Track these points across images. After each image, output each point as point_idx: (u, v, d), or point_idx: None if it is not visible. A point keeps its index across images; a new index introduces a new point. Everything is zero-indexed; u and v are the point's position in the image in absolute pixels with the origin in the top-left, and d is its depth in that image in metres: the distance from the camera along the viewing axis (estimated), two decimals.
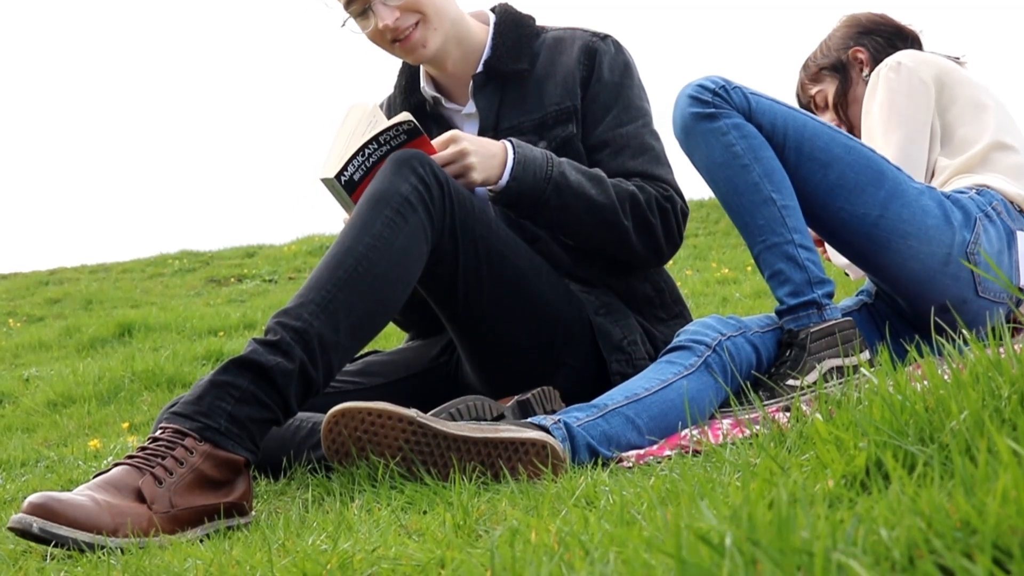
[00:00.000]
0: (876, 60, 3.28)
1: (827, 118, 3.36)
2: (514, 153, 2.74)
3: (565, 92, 2.97)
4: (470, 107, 3.04)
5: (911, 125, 2.98)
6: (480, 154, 2.70)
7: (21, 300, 13.20)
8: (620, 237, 2.86)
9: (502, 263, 2.68)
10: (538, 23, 3.11)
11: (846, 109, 3.34)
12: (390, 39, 2.88)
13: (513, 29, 3.05)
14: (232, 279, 13.59)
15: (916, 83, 2.99)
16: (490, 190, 2.76)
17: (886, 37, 3.32)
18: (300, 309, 2.34)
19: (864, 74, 3.29)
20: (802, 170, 2.66)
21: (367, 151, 2.59)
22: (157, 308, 10.23)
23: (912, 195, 2.68)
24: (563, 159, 2.81)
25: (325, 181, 2.63)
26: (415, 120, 2.58)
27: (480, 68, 3.01)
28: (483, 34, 3.05)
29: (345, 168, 2.58)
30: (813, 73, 3.39)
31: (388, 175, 2.52)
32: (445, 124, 3.07)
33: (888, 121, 2.99)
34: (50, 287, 14.02)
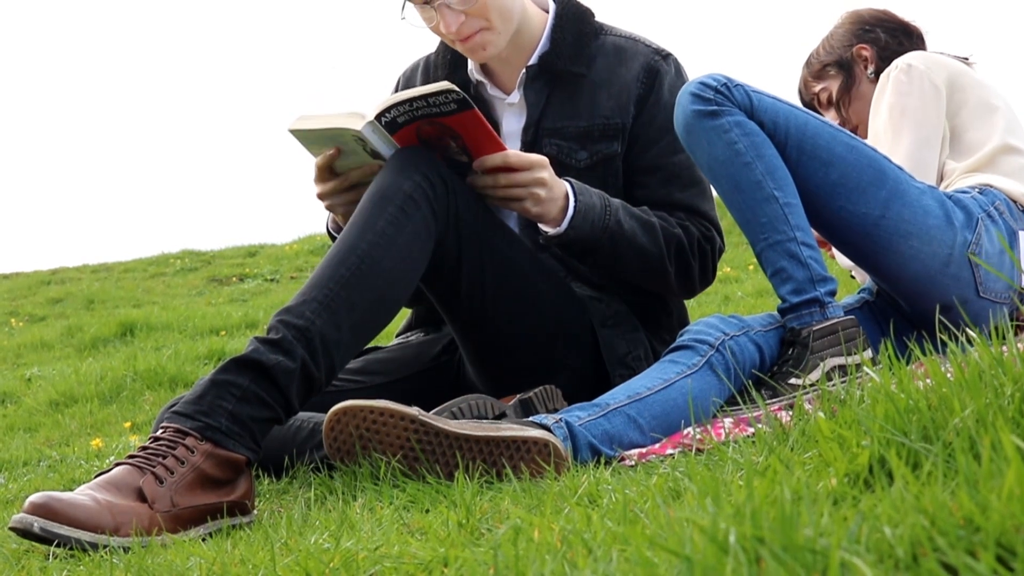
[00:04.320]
0: (881, 57, 3.27)
1: (830, 116, 3.35)
2: (575, 201, 2.68)
3: (618, 107, 2.91)
4: (514, 97, 2.97)
5: (922, 129, 2.97)
6: (550, 190, 2.65)
7: (23, 300, 13.21)
8: (660, 279, 2.85)
9: (505, 263, 2.67)
10: (597, 20, 3.02)
11: (848, 107, 3.33)
12: (452, 40, 2.84)
13: (573, 25, 2.96)
14: (234, 278, 13.60)
15: (927, 87, 2.98)
16: (544, 234, 2.73)
17: (891, 34, 3.31)
18: (302, 307, 2.34)
19: (868, 72, 3.28)
20: (803, 168, 2.66)
21: (415, 103, 2.50)
22: (159, 307, 10.23)
23: (914, 195, 2.68)
24: (618, 203, 2.76)
25: (335, 130, 2.56)
26: (462, 91, 2.49)
27: (535, 61, 2.94)
28: (541, 23, 2.96)
29: (388, 111, 2.53)
30: (816, 70, 3.38)
31: (392, 172, 2.51)
32: (486, 110, 2.99)
33: (899, 125, 2.98)
34: (52, 287, 14.02)
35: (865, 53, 3.29)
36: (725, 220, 2.96)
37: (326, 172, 2.68)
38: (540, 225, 2.73)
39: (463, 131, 2.56)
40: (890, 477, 1.26)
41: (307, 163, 2.75)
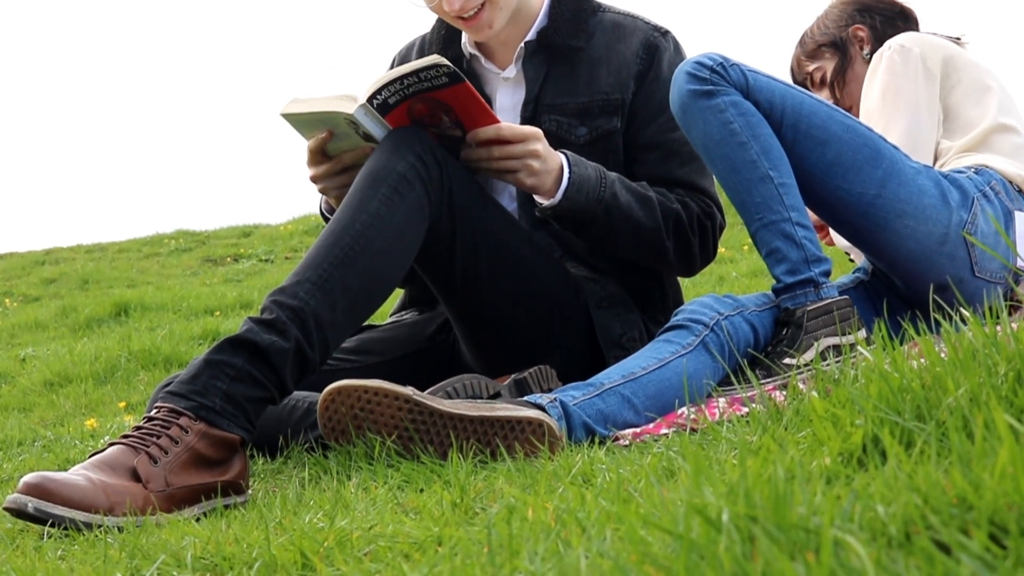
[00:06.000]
0: (876, 38, 3.26)
1: (823, 95, 3.34)
2: (570, 172, 2.69)
3: (617, 83, 2.91)
4: (510, 71, 2.97)
5: (917, 110, 2.96)
6: (544, 162, 2.65)
7: (17, 280, 13.19)
8: (659, 255, 2.85)
9: (499, 243, 2.67)
10: None
11: (842, 87, 3.32)
12: (454, 16, 2.83)
13: (572, 2, 2.96)
14: (228, 259, 13.58)
15: (921, 68, 2.98)
16: (539, 206, 2.74)
17: (885, 15, 3.30)
18: (296, 288, 2.34)
19: (864, 52, 3.27)
20: (799, 148, 2.66)
21: (406, 80, 2.50)
22: (153, 288, 10.23)
23: (909, 174, 2.68)
24: (614, 177, 2.76)
25: (333, 113, 2.56)
26: (452, 64, 2.49)
27: (532, 36, 2.94)
28: (539, 0, 2.97)
29: (379, 92, 2.52)
30: (811, 50, 3.37)
31: (386, 153, 2.51)
32: (479, 84, 2.99)
33: (894, 105, 2.98)
34: (46, 267, 14.00)
35: (861, 34, 3.29)
36: (721, 198, 2.96)
37: (319, 155, 2.68)
38: (535, 197, 2.73)
39: (456, 104, 2.56)
40: (884, 456, 1.26)
41: (301, 145, 2.75)
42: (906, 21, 3.31)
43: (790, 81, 3.37)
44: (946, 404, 1.26)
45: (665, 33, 2.97)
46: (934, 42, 3.04)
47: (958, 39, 3.19)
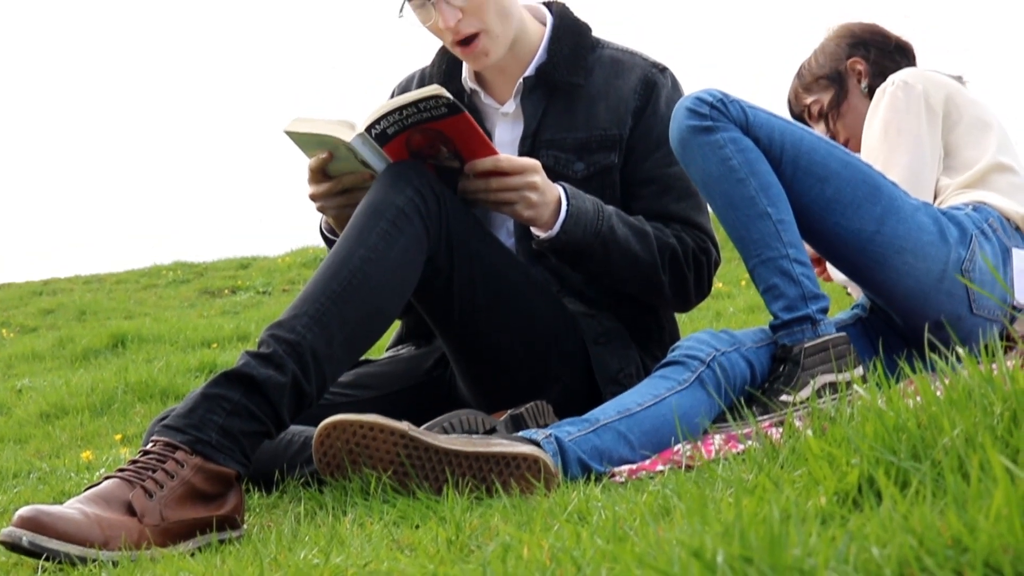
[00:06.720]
0: (874, 72, 3.27)
1: (820, 128, 3.35)
2: (568, 205, 2.69)
3: (615, 119, 2.91)
4: (509, 107, 2.98)
5: (919, 147, 2.97)
6: (542, 194, 2.65)
7: (14, 310, 13.19)
8: (654, 289, 2.85)
9: (497, 278, 2.67)
10: (594, 34, 3.03)
11: (836, 119, 3.33)
12: (451, 41, 2.83)
13: (571, 38, 2.97)
14: (226, 291, 13.58)
15: (924, 105, 2.98)
16: (536, 239, 2.74)
17: (882, 49, 3.32)
18: (293, 322, 2.34)
19: (862, 85, 3.28)
20: (798, 184, 2.66)
21: (405, 111, 2.50)
22: (151, 319, 10.22)
23: (908, 211, 2.68)
24: (611, 210, 2.76)
25: (327, 138, 2.56)
26: (451, 96, 2.50)
27: (531, 72, 2.94)
28: (538, 34, 2.97)
29: (377, 123, 2.53)
30: (808, 82, 3.38)
31: (384, 186, 2.51)
32: (479, 119, 2.98)
33: (896, 142, 2.98)
34: (44, 297, 14.01)
35: (859, 67, 3.29)
36: (718, 234, 2.96)
37: (319, 174, 2.69)
38: (532, 229, 2.74)
39: (454, 135, 2.57)
40: (879, 496, 1.26)
41: (300, 173, 2.76)
42: (903, 55, 3.32)
43: (788, 115, 3.39)
44: (941, 444, 1.26)
45: (663, 70, 2.98)
46: (936, 79, 3.05)
47: (959, 78, 3.20)
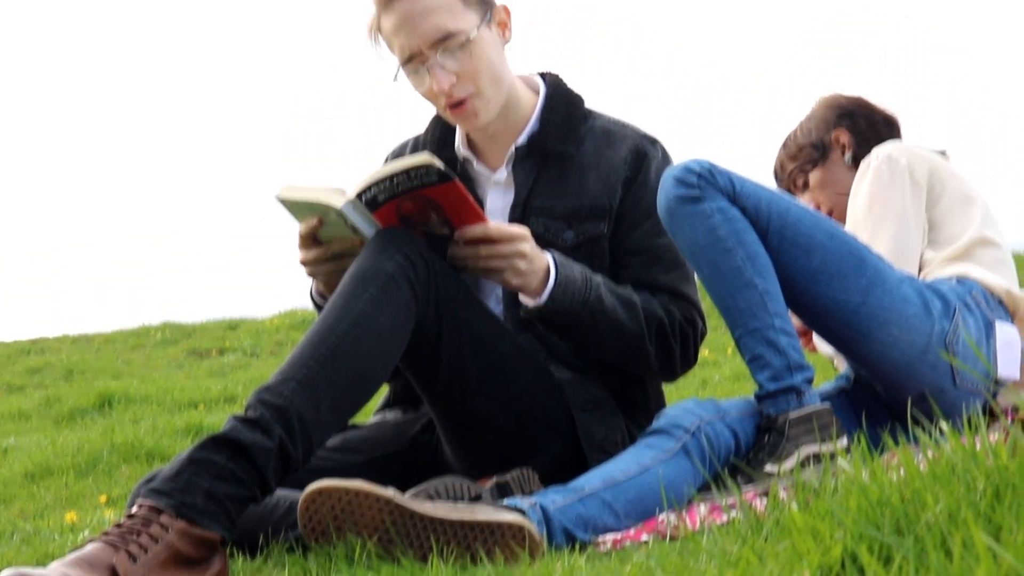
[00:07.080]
0: (859, 143, 3.30)
1: (805, 198, 3.38)
2: (556, 274, 2.70)
3: (606, 189, 2.93)
4: (500, 174, 2.99)
5: (903, 221, 2.99)
6: (531, 262, 2.66)
7: (1, 369, 13.13)
8: (640, 359, 2.86)
9: (485, 345, 2.68)
10: (586, 105, 3.05)
11: (823, 190, 3.35)
12: (444, 104, 2.85)
13: (563, 107, 2.99)
14: (214, 351, 13.54)
15: (908, 179, 3.01)
16: (524, 307, 2.75)
17: (868, 121, 3.35)
18: (281, 386, 2.34)
19: (846, 157, 3.31)
20: (784, 255, 2.68)
21: (395, 180, 2.52)
22: (138, 380, 10.18)
23: (893, 283, 2.70)
24: (599, 279, 2.78)
25: (319, 205, 2.59)
26: (442, 164, 2.52)
27: (523, 140, 2.96)
28: (531, 103, 2.99)
29: (368, 189, 2.54)
30: (793, 152, 3.41)
31: (374, 253, 2.52)
32: (471, 187, 3.00)
33: (881, 216, 3.00)
34: (31, 356, 13.95)
35: (843, 139, 3.32)
36: (704, 303, 2.98)
37: (309, 240, 2.70)
38: (520, 297, 2.75)
39: (444, 202, 2.58)
40: (862, 572, 1.26)
41: (289, 237, 2.78)
42: (889, 128, 3.35)
43: (775, 185, 3.41)
44: (925, 520, 1.26)
45: (654, 141, 3.00)
46: (920, 153, 3.08)
47: (943, 152, 3.23)
